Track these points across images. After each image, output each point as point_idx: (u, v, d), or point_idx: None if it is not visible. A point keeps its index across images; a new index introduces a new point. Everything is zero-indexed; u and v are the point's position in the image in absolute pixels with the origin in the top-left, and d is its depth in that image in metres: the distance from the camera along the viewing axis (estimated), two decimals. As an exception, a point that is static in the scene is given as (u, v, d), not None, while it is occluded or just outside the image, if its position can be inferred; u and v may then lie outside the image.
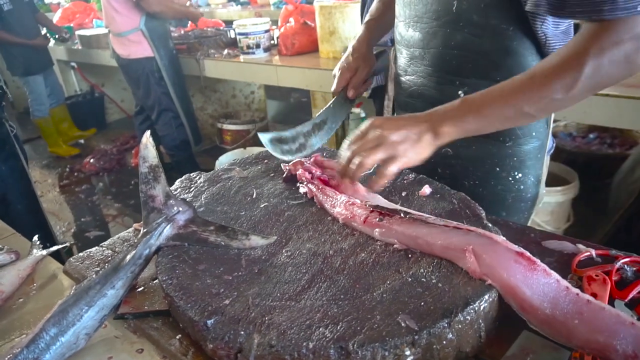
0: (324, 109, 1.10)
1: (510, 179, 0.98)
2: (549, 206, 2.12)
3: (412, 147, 0.76)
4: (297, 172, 0.95)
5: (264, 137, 1.00)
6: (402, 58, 1.04)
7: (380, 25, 1.15)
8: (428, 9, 0.92)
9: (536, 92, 0.73)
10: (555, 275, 0.62)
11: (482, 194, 0.98)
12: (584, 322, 0.57)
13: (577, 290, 0.60)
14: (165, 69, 3.11)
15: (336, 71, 1.13)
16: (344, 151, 0.82)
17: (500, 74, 0.87)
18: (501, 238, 0.67)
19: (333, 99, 1.12)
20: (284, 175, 0.99)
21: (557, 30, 0.84)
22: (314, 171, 0.94)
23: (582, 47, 0.70)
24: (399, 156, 0.76)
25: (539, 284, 0.61)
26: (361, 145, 0.79)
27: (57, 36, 4.40)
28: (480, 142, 0.90)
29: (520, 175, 0.98)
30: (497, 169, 0.98)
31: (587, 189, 2.20)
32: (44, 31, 4.25)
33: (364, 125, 0.81)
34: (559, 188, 2.10)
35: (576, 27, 0.82)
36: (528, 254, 0.64)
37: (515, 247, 0.65)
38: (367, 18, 1.16)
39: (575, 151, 2.55)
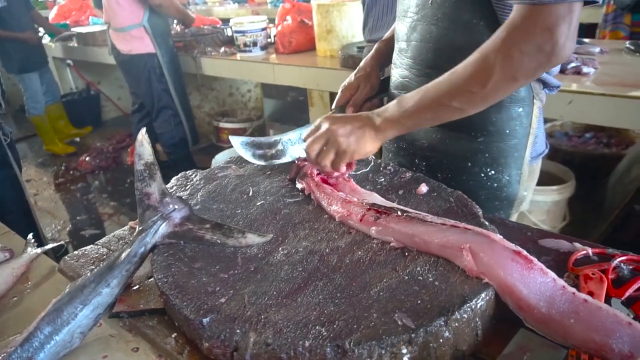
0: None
1: (483, 175, 0.98)
2: (545, 205, 2.12)
3: (357, 142, 0.84)
4: (302, 168, 0.95)
5: (234, 140, 1.00)
6: (395, 52, 1.07)
7: (390, 47, 1.14)
8: (412, 3, 0.96)
9: (456, 88, 0.77)
10: (551, 274, 0.62)
11: (454, 188, 0.98)
12: (580, 321, 0.57)
13: (573, 290, 0.60)
14: (167, 65, 3.10)
15: (339, 91, 1.15)
16: (306, 147, 0.89)
17: None
18: (498, 237, 0.67)
19: (329, 113, 1.12)
20: (290, 175, 0.98)
21: None
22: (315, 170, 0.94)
23: (493, 42, 0.74)
24: (347, 151, 0.84)
25: (536, 283, 0.61)
26: (313, 140, 0.87)
27: (56, 37, 4.37)
28: (452, 136, 0.93)
29: (493, 172, 0.97)
30: (469, 163, 0.98)
31: (583, 188, 2.20)
32: (41, 32, 4.23)
33: (317, 121, 0.89)
34: (555, 187, 2.10)
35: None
36: (525, 252, 0.64)
37: (512, 246, 0.65)
38: (369, 54, 1.17)
39: (571, 151, 2.56)
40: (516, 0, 0.71)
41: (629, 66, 1.98)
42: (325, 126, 0.86)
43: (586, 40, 2.27)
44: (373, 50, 1.16)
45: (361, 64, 1.16)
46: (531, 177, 1.04)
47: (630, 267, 0.75)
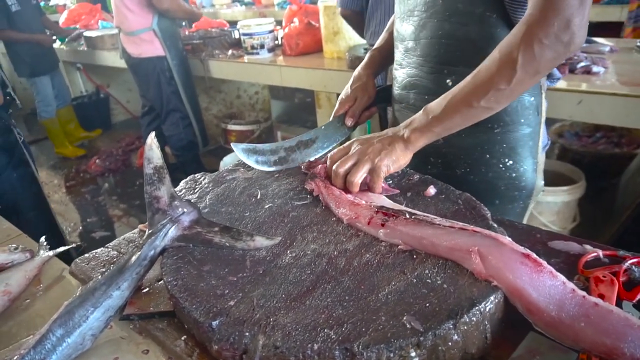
0: (315, 129, 1.11)
1: (501, 166, 0.99)
2: (555, 206, 2.10)
3: (388, 156, 0.84)
4: (312, 170, 0.95)
5: (236, 147, 1.00)
6: (398, 52, 1.07)
7: (383, 55, 1.16)
8: (419, 2, 0.96)
9: (482, 87, 0.79)
10: (561, 277, 0.62)
11: (473, 182, 1.00)
12: (591, 325, 0.57)
13: (583, 293, 0.60)
14: (176, 68, 3.13)
15: (337, 103, 1.16)
16: (330, 166, 0.89)
17: None
18: (507, 239, 0.67)
19: (328, 121, 1.14)
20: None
21: None
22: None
23: (514, 38, 0.76)
24: (379, 167, 0.84)
25: (545, 286, 0.61)
26: (343, 160, 0.87)
27: (66, 39, 4.42)
28: (469, 129, 0.93)
29: (511, 162, 0.99)
30: (487, 155, 0.98)
31: (594, 188, 2.18)
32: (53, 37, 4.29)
33: (347, 144, 0.90)
34: (565, 188, 2.08)
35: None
36: (534, 255, 0.64)
37: (521, 249, 0.65)
38: (374, 47, 1.18)
39: (581, 150, 2.54)
40: None
41: (638, 65, 1.96)
42: (355, 147, 0.87)
43: (596, 39, 2.25)
44: (367, 59, 1.17)
45: (355, 73, 1.16)
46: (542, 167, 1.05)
47: (642, 269, 0.74)
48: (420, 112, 0.86)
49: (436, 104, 0.84)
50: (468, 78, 0.81)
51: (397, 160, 0.85)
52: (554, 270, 0.62)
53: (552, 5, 0.72)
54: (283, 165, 1.02)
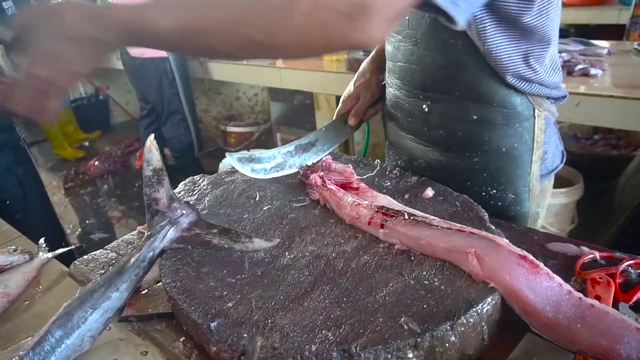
0: (315, 131, 1.09)
1: (484, 194, 0.94)
2: (553, 208, 2.11)
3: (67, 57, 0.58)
4: (309, 178, 0.95)
5: (231, 157, 0.97)
6: (387, 71, 1.06)
7: (378, 66, 1.13)
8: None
9: (236, 17, 0.56)
10: (557, 279, 0.62)
11: None
12: (587, 326, 0.57)
13: (580, 295, 0.60)
14: (178, 70, 3.13)
15: (340, 101, 1.14)
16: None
17: (458, 87, 0.88)
18: (504, 241, 0.67)
19: (328, 122, 1.12)
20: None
21: (495, 43, 0.81)
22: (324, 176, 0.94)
23: None
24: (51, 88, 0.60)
25: (542, 288, 0.61)
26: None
27: None
28: (448, 156, 0.92)
29: (494, 191, 0.94)
30: (468, 183, 0.95)
31: (592, 190, 2.19)
32: None
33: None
34: (563, 190, 2.09)
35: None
36: (531, 257, 0.64)
37: (518, 250, 0.65)
38: (368, 60, 1.15)
39: (579, 153, 2.55)
40: None
41: (637, 67, 1.97)
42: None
43: (593, 41, 2.26)
44: (373, 52, 1.14)
45: (360, 69, 1.14)
46: (542, 195, 0.99)
47: (638, 271, 0.74)
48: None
49: None
50: None
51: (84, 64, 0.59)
52: (550, 272, 0.63)
53: None
54: (280, 171, 1.00)
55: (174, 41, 0.60)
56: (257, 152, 1.01)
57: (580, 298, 0.60)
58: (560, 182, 2.18)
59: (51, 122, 0.63)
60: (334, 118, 1.14)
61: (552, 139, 0.99)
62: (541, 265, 0.63)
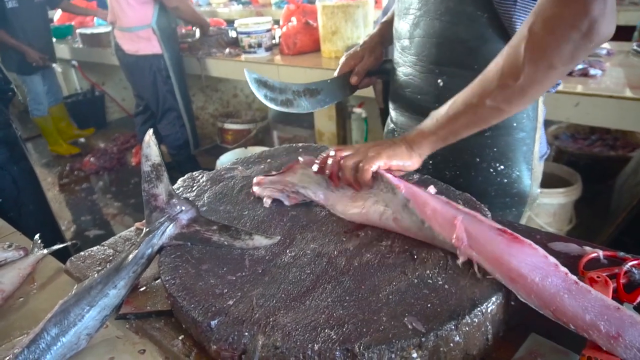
0: (320, 81, 1.11)
1: (492, 170, 0.97)
2: (551, 208, 2.11)
3: (391, 152, 0.80)
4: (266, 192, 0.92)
5: (249, 75, 0.97)
6: (396, 51, 1.06)
7: (391, 28, 1.15)
8: (414, 0, 0.95)
9: (489, 85, 0.72)
10: (542, 251, 0.63)
11: (463, 185, 0.97)
12: (573, 299, 0.57)
13: (566, 270, 0.60)
14: (173, 68, 3.10)
15: (342, 59, 1.15)
16: (337, 161, 0.83)
17: (477, 61, 0.88)
18: (485, 218, 0.69)
19: (333, 77, 1.14)
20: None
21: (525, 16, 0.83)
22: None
23: (521, 29, 0.69)
24: (375, 157, 0.79)
25: (525, 255, 0.62)
26: (349, 155, 0.82)
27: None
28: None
29: (502, 167, 0.96)
30: (477, 159, 0.96)
31: (590, 190, 2.19)
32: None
33: (352, 147, 0.86)
34: (561, 190, 2.09)
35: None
36: (510, 231, 0.65)
37: (498, 226, 0.67)
38: (381, 20, 1.18)
39: (577, 153, 2.55)
40: None
41: (636, 68, 1.97)
42: (355, 147, 0.84)
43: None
44: (377, 28, 1.17)
45: (366, 38, 1.16)
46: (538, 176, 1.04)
47: (642, 271, 0.74)
48: (428, 117, 0.83)
49: (443, 107, 0.80)
50: (477, 77, 0.75)
51: (402, 158, 0.80)
52: (533, 244, 0.63)
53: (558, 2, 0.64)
54: (289, 108, 1.01)
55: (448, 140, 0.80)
56: (271, 80, 0.99)
57: (566, 273, 0.60)
58: (558, 182, 2.18)
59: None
60: (335, 75, 1.14)
61: (543, 124, 1.02)
62: (522, 237, 0.64)
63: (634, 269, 0.73)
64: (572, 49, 0.65)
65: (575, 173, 2.20)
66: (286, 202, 0.90)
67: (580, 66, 1.88)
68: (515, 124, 0.94)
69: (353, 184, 0.81)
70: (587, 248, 0.80)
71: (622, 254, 0.78)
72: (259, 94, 0.99)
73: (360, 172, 0.79)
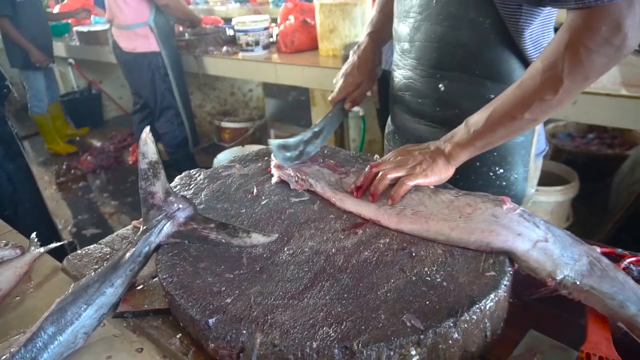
0: (323, 118, 1.08)
1: (492, 174, 0.97)
2: (548, 206, 2.11)
3: (429, 168, 0.82)
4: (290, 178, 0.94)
5: (274, 143, 0.95)
6: (396, 53, 1.06)
7: (382, 36, 1.14)
8: (414, 3, 0.94)
9: (527, 99, 0.75)
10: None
11: (463, 189, 0.97)
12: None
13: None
14: (171, 65, 3.09)
15: (338, 79, 1.11)
16: (373, 175, 0.85)
17: (479, 66, 0.89)
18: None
19: (332, 109, 1.10)
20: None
21: (532, 23, 0.83)
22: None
23: (556, 45, 0.72)
24: (417, 174, 0.82)
25: None
26: (388, 169, 0.84)
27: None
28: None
29: (501, 170, 0.97)
30: (477, 163, 0.96)
31: (587, 189, 2.19)
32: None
33: (389, 155, 0.89)
34: (558, 188, 2.09)
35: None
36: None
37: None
38: (368, 29, 1.15)
39: (574, 151, 2.55)
40: (574, 4, 0.68)
41: (633, 66, 1.97)
42: (396, 158, 0.85)
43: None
44: (369, 40, 1.12)
45: (360, 54, 1.11)
46: (533, 175, 1.04)
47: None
48: (462, 125, 0.84)
49: (478, 117, 0.81)
50: (510, 89, 0.78)
51: (439, 174, 0.83)
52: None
53: (596, 11, 0.66)
54: (301, 159, 0.98)
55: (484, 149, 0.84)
56: (290, 140, 0.97)
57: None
58: (556, 180, 2.18)
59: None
60: (330, 101, 1.12)
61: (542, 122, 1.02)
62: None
63: (632, 265, 0.74)
64: (606, 62, 0.69)
65: (572, 171, 2.21)
66: (292, 186, 0.93)
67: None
68: None
69: (377, 194, 0.82)
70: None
71: (620, 250, 0.79)
72: (279, 159, 0.95)
73: (400, 186, 0.81)
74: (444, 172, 0.84)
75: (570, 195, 2.12)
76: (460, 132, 0.84)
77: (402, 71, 1.03)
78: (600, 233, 2.04)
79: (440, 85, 0.94)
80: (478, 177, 0.98)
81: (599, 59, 0.69)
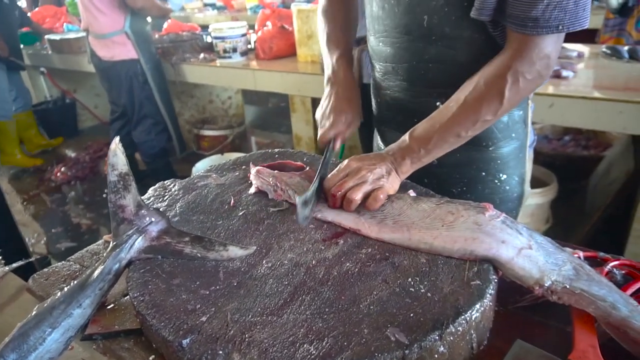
0: (324, 164, 0.91)
1: (496, 181, 0.99)
2: (528, 208, 2.13)
3: (387, 181, 0.83)
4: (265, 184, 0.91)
5: (298, 199, 0.81)
6: (377, 72, 1.03)
7: (350, 56, 1.05)
8: (397, 23, 0.91)
9: (470, 118, 0.81)
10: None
11: (470, 199, 0.96)
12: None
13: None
14: (150, 72, 3.03)
15: (325, 114, 0.99)
16: (328, 186, 0.84)
17: None
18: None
19: (327, 152, 0.95)
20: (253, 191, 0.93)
21: None
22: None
23: (499, 71, 0.78)
24: (382, 187, 0.82)
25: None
26: (342, 183, 0.83)
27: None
28: (463, 149, 0.90)
29: (504, 176, 0.99)
30: (483, 173, 0.98)
31: (565, 190, 2.22)
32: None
33: (342, 165, 0.86)
34: (538, 190, 2.11)
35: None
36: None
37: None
38: (335, 53, 1.03)
39: (552, 153, 2.59)
40: (516, 28, 0.75)
41: (606, 69, 2.01)
42: (355, 166, 0.84)
43: (564, 44, 2.30)
44: (344, 68, 1.02)
45: (342, 83, 1.00)
46: (528, 171, 1.06)
47: (623, 271, 0.73)
48: (407, 139, 0.85)
49: (424, 133, 0.84)
50: (453, 107, 0.82)
51: (394, 187, 0.85)
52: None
53: (535, 42, 0.75)
54: (313, 211, 0.85)
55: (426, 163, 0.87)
56: (308, 194, 0.83)
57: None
58: (535, 182, 2.20)
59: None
60: (319, 140, 0.99)
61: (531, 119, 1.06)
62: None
63: (615, 269, 0.73)
64: (533, 89, 0.82)
65: (551, 173, 2.23)
66: (270, 196, 0.90)
67: (553, 68, 1.91)
68: (513, 135, 0.96)
69: (351, 207, 0.81)
70: (567, 249, 0.79)
71: (602, 254, 0.78)
72: (301, 218, 0.80)
73: (375, 199, 0.80)
74: (396, 185, 0.85)
75: (549, 197, 2.14)
76: (407, 148, 0.85)
77: (388, 92, 1.01)
78: (579, 235, 2.07)
79: (438, 103, 0.91)
80: (485, 187, 0.99)
81: (531, 87, 0.79)
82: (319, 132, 0.99)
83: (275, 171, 0.94)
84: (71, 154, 4.26)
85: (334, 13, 1.06)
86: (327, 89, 1.02)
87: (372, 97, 1.11)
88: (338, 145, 0.98)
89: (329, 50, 1.04)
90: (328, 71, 1.03)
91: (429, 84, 0.93)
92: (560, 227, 2.22)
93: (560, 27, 0.73)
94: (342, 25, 1.06)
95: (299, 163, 1.02)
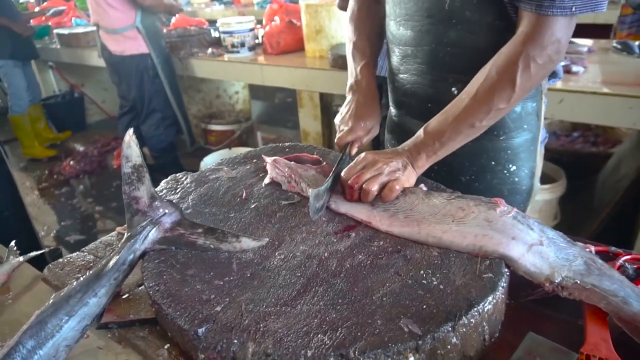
0: (340, 162, 0.91)
1: (505, 171, 0.99)
2: (536, 204, 2.12)
3: (403, 174, 0.84)
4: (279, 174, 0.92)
5: (312, 193, 0.81)
6: (395, 57, 1.02)
7: (375, 64, 1.06)
8: (419, 7, 0.91)
9: (483, 107, 0.81)
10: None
11: (478, 189, 0.99)
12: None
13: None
14: (161, 66, 3.05)
15: (345, 119, 1.00)
16: (345, 178, 0.84)
17: None
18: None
19: (343, 155, 0.95)
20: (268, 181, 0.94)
21: None
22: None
23: (510, 57, 0.78)
24: (398, 179, 0.82)
25: None
26: (361, 171, 0.83)
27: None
28: (474, 138, 0.90)
29: (514, 167, 0.99)
30: (493, 162, 0.98)
31: (573, 186, 2.21)
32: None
33: (358, 159, 0.87)
34: (546, 186, 2.10)
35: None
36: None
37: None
38: (360, 61, 1.03)
39: (560, 149, 2.58)
40: (531, 8, 0.75)
41: (616, 65, 1.99)
42: (371, 158, 0.85)
43: (573, 39, 2.28)
44: (367, 75, 1.02)
45: (365, 91, 1.01)
46: (539, 167, 1.06)
47: (635, 266, 0.73)
48: (422, 134, 0.85)
49: (438, 126, 0.84)
50: (467, 100, 0.82)
51: (410, 181, 0.85)
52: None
53: (546, 23, 0.74)
54: (323, 209, 0.85)
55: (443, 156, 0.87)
56: (322, 189, 0.83)
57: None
58: (543, 178, 2.19)
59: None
60: (337, 143, 0.99)
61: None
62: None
63: (627, 264, 0.73)
64: (545, 74, 0.81)
65: (559, 169, 2.22)
66: (283, 187, 0.92)
67: (563, 63, 1.89)
68: (525, 126, 0.96)
69: (368, 198, 0.81)
70: (579, 244, 0.79)
71: (614, 248, 0.78)
72: (313, 210, 0.81)
73: (390, 190, 0.81)
74: (412, 179, 0.85)
75: (557, 194, 2.13)
76: (422, 143, 0.85)
77: (405, 76, 1.00)
78: (587, 231, 2.06)
79: (454, 89, 0.92)
80: (493, 176, 0.99)
81: (543, 72, 0.79)
82: (337, 136, 1.00)
83: (292, 162, 0.94)
84: (79, 147, 4.29)
85: (362, 21, 1.07)
86: (348, 96, 1.03)
87: (388, 83, 1.11)
88: (355, 150, 0.98)
89: (353, 59, 1.06)
90: (351, 79, 1.04)
91: (446, 69, 0.92)
92: (569, 223, 2.21)
93: (574, 9, 0.73)
94: (369, 34, 1.06)
95: (315, 156, 1.02)
